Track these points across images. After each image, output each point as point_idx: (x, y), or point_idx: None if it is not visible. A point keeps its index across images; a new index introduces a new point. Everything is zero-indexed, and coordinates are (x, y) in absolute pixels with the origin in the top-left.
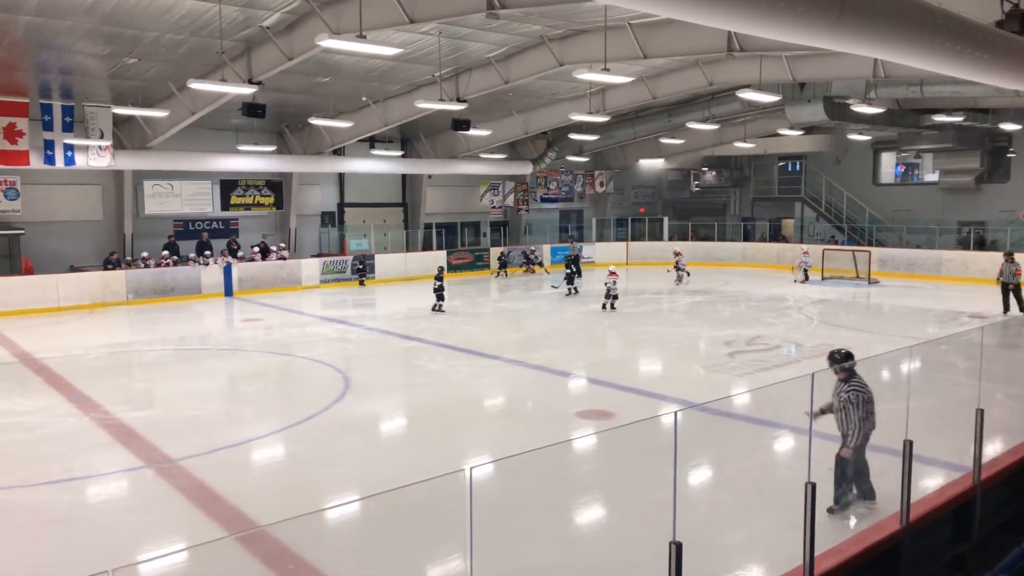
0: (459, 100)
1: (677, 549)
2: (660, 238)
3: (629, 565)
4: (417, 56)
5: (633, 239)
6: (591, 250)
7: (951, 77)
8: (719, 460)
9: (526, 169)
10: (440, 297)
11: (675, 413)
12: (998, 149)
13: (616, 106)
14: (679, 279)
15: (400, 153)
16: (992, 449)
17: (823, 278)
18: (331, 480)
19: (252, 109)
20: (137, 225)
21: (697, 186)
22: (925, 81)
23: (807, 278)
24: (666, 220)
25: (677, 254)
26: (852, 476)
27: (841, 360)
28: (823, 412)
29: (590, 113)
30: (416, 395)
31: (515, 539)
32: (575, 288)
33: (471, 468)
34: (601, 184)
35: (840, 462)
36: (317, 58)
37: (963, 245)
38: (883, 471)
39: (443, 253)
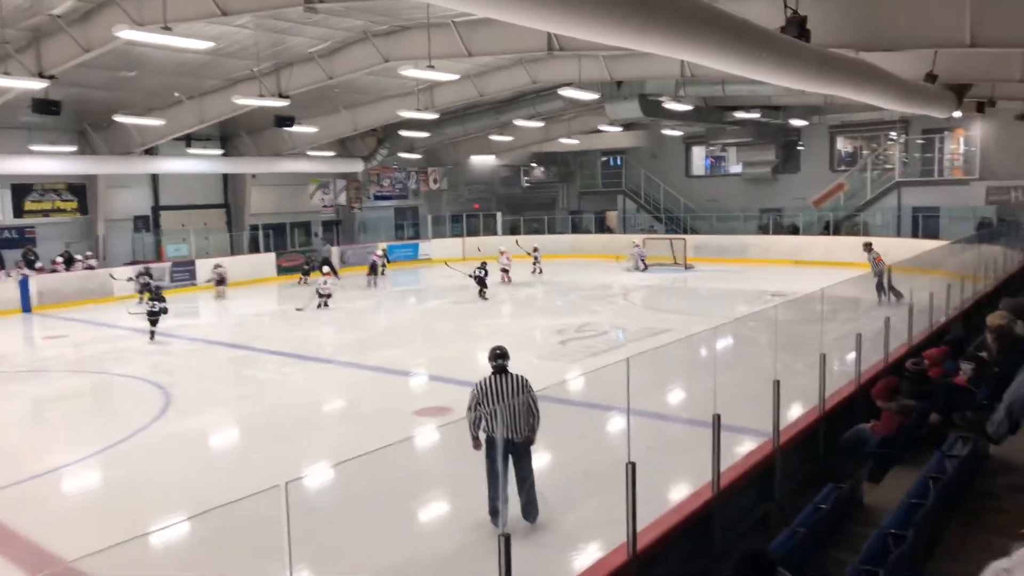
0: (281, 96)
1: (506, 540)
2: (495, 233)
3: (467, 560)
4: (234, 50)
5: (469, 234)
6: (427, 247)
7: (746, 77)
8: (552, 446)
9: (357, 166)
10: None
11: (496, 410)
12: (790, 143)
13: (444, 103)
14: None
15: (220, 152)
16: (792, 415)
17: (645, 266)
18: (152, 504)
19: (44, 105)
20: None
21: (527, 181)
22: (726, 81)
23: (646, 267)
24: (499, 215)
25: (502, 252)
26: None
27: (495, 358)
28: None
29: (419, 110)
30: (245, 406)
31: (353, 545)
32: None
33: (287, 483)
34: (435, 181)
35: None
36: (120, 51)
37: (763, 230)
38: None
39: (272, 256)
